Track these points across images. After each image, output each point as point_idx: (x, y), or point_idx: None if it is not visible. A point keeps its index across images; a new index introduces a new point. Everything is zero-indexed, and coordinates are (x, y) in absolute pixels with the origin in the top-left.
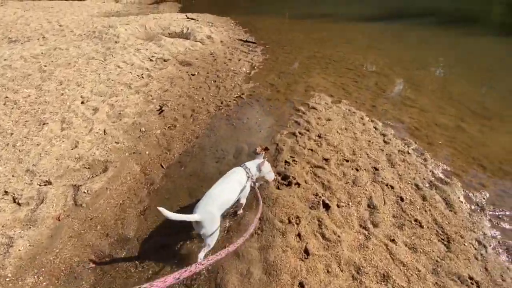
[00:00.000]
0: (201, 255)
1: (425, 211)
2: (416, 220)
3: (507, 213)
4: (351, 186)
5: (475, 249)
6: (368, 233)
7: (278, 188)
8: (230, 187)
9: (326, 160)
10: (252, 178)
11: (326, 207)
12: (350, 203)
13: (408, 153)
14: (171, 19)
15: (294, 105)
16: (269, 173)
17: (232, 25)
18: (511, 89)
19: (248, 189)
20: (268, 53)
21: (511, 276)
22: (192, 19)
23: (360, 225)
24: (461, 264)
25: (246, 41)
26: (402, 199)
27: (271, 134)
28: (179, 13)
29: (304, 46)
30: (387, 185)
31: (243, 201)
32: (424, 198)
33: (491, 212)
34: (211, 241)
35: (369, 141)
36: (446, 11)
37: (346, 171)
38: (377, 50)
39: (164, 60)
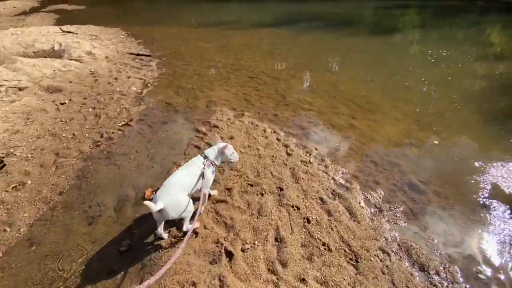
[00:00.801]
0: (185, 226)
1: (332, 229)
2: (324, 244)
3: (400, 208)
4: (256, 218)
5: (381, 261)
6: (277, 279)
7: (166, 246)
8: (187, 172)
9: (229, 190)
10: (214, 164)
11: (229, 256)
12: (256, 242)
13: (310, 162)
14: (39, 33)
15: (194, 125)
16: (233, 154)
17: (123, 37)
18: (387, 81)
19: (210, 176)
20: (164, 66)
21: (416, 284)
22: (68, 32)
23: (268, 269)
24: (370, 285)
25: (138, 54)
26: (308, 221)
27: (166, 168)
28: (53, 25)
29: (205, 56)
30: (293, 206)
31: (206, 191)
32: (329, 213)
33: (387, 212)
34: (186, 215)
35: (273, 156)
36: (329, 15)
37: (250, 199)
38: (276, 55)
39: (19, 89)
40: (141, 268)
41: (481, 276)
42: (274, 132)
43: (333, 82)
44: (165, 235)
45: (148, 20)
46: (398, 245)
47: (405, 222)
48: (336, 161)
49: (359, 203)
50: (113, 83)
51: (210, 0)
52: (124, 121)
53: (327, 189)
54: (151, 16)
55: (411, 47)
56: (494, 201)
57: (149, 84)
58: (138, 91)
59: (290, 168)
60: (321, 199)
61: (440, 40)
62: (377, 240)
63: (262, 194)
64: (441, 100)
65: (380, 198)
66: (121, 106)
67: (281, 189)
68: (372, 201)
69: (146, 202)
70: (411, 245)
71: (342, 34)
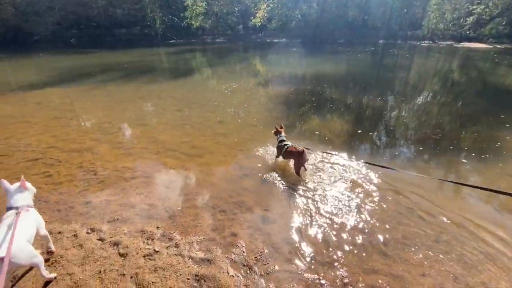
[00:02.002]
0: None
1: None
2: None
3: (265, 251)
4: None
5: None
6: None
7: None
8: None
9: None
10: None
11: None
12: None
13: (156, 251)
14: None
15: None
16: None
17: None
18: (201, 121)
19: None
20: None
21: None
22: None
23: None
24: None
25: None
26: None
27: None
28: None
29: None
30: None
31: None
32: None
33: (258, 268)
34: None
35: (100, 271)
36: (123, 65)
37: None
38: (68, 119)
39: None
40: None
41: None
42: (92, 230)
43: (151, 135)
44: None
45: None
46: None
47: (278, 266)
48: (186, 230)
49: (228, 272)
50: None
51: None
52: None
53: (188, 278)
54: None
55: (209, 85)
56: None
57: None
58: None
59: (131, 277)
60: None
61: (227, 75)
62: None
63: None
64: (249, 125)
65: (244, 252)
66: None
67: None
68: (239, 261)
69: None
70: None
71: (143, 82)
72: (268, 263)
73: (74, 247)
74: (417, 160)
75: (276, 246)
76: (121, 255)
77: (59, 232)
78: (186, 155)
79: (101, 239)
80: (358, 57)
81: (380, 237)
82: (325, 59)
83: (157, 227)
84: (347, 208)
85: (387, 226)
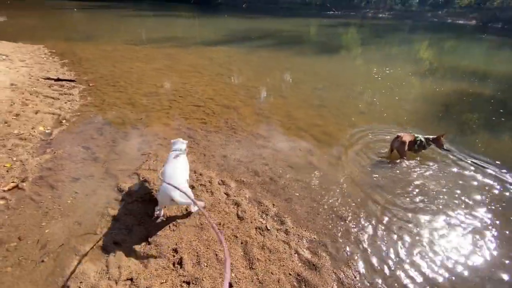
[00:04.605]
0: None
1: None
2: None
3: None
4: None
5: None
6: None
7: None
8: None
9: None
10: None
11: None
12: None
13: (267, 229)
14: None
15: (117, 181)
16: None
17: (44, 56)
18: (339, 106)
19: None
20: (91, 95)
21: None
22: None
23: None
24: None
25: (58, 79)
26: None
27: (62, 261)
28: None
29: (144, 80)
30: None
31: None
32: None
33: None
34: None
35: (220, 224)
36: (280, 33)
37: None
38: (226, 78)
39: None
40: None
41: None
42: (223, 183)
43: (287, 109)
44: None
45: (81, 35)
46: None
47: None
48: (298, 220)
49: None
50: (12, 121)
51: (160, 14)
52: (14, 182)
53: (290, 274)
54: (87, 30)
55: (357, 66)
56: None
57: (64, 121)
58: (47, 131)
59: (241, 243)
60: None
61: (381, 57)
62: None
63: None
64: (393, 123)
65: (355, 277)
66: (15, 158)
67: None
68: (347, 284)
69: None
70: None
71: (292, 53)
72: None
73: (207, 191)
74: None
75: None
76: (238, 217)
77: (200, 174)
78: (316, 140)
79: (227, 194)
80: None
81: None
82: None
83: (273, 204)
84: None
85: None
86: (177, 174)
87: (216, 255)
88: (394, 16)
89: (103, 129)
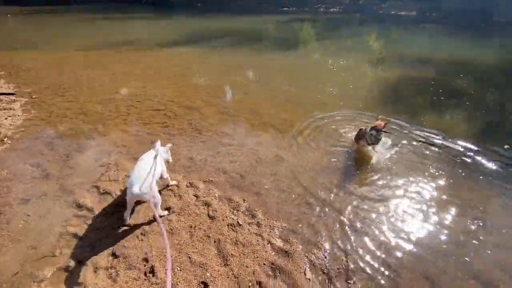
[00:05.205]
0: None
1: None
2: None
3: (351, 266)
4: None
5: None
6: None
7: None
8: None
9: None
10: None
11: None
12: None
13: (239, 224)
14: None
15: (74, 197)
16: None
17: None
18: (303, 98)
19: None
20: (35, 107)
21: None
22: None
23: None
24: None
25: None
26: None
27: None
28: None
29: (97, 87)
30: None
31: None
32: None
33: (339, 283)
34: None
35: (191, 226)
36: (237, 31)
37: None
38: (187, 78)
39: None
40: None
41: None
42: (191, 185)
43: (252, 105)
44: None
45: (23, 43)
46: None
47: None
48: (269, 212)
49: (305, 274)
50: None
51: (111, 17)
52: None
53: (264, 264)
54: (31, 38)
55: (315, 60)
56: None
57: (5, 139)
58: None
59: (214, 242)
60: (260, 284)
61: (335, 50)
62: None
63: None
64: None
65: (326, 258)
66: None
67: (205, 285)
68: (319, 266)
69: None
70: None
71: (253, 50)
72: (352, 280)
73: (175, 196)
74: None
75: (361, 263)
76: (210, 216)
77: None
78: (282, 133)
79: (196, 196)
80: None
81: None
82: (473, 42)
83: (244, 200)
84: None
85: None
86: (146, 170)
87: (189, 257)
88: (344, 10)
89: (53, 143)
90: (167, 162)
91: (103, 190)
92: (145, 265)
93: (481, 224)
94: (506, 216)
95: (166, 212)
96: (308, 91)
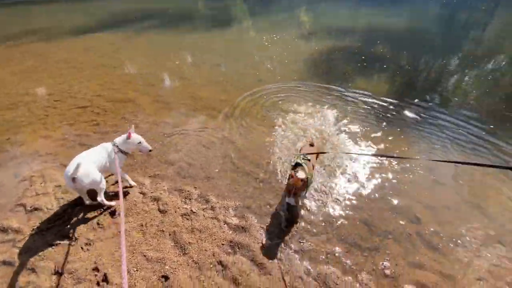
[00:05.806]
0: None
1: None
2: None
3: (300, 228)
4: None
5: None
6: None
7: None
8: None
9: None
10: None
11: None
12: None
13: (193, 212)
14: None
15: None
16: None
17: None
18: (240, 78)
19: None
20: None
21: None
22: None
23: None
24: None
25: None
26: None
27: None
28: None
29: (2, 90)
30: None
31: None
32: (235, 281)
33: (294, 245)
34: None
35: (142, 225)
36: (162, 11)
37: None
38: (112, 68)
39: None
40: None
41: None
42: (136, 183)
43: (190, 90)
44: None
45: None
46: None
47: (313, 244)
48: (222, 194)
49: (263, 243)
50: None
51: (8, 3)
52: None
53: (223, 244)
54: None
55: (250, 37)
56: None
57: None
58: None
59: (169, 235)
60: (221, 263)
61: (269, 25)
62: None
63: None
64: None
65: (280, 223)
66: None
67: (166, 278)
68: (274, 232)
69: None
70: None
71: (183, 31)
72: (303, 240)
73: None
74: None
75: (312, 222)
76: (160, 211)
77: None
78: (225, 115)
79: (143, 193)
80: (428, 9)
81: None
82: (384, 9)
83: (195, 187)
84: None
85: None
86: (89, 158)
87: (145, 256)
88: None
89: None
90: (138, 151)
91: (31, 207)
92: (96, 275)
93: (407, 165)
94: (422, 154)
95: (113, 203)
96: (245, 68)
